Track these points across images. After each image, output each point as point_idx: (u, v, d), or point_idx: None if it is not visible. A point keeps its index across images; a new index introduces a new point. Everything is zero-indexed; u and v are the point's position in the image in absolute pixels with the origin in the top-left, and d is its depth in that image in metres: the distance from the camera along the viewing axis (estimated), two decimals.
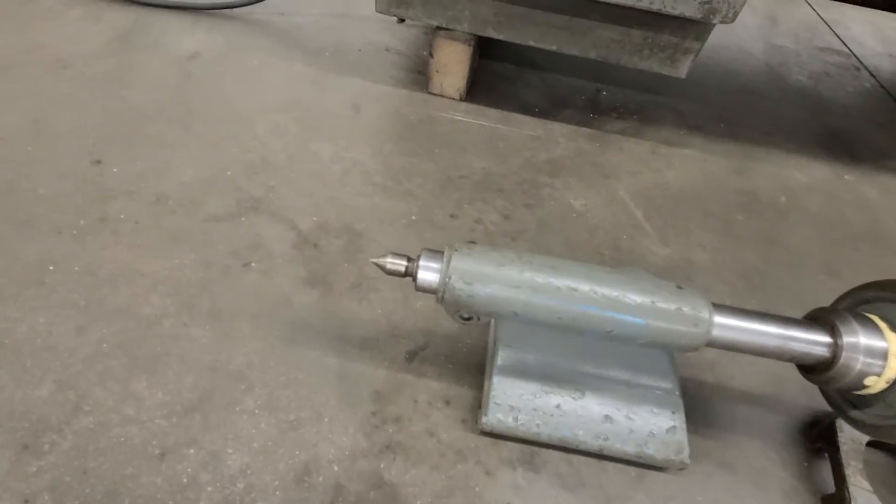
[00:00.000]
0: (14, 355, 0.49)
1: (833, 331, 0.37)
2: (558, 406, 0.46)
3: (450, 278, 0.37)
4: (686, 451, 0.46)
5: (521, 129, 0.89)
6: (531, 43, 0.84)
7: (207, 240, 0.62)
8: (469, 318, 0.40)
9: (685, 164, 0.88)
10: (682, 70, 0.82)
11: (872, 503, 0.44)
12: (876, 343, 0.36)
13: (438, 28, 0.87)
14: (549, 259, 0.38)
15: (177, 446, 0.45)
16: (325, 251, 0.63)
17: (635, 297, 0.36)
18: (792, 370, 0.58)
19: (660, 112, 1.00)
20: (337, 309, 0.58)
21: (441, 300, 0.38)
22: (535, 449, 0.49)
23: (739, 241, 0.76)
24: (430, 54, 0.88)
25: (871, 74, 1.26)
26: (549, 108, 0.95)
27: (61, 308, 0.53)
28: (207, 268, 0.59)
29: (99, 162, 0.69)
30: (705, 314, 0.36)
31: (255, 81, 0.90)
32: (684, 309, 0.37)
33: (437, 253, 0.38)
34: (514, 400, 0.46)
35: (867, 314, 0.38)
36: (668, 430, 0.46)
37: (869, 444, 0.51)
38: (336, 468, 0.45)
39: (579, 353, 0.47)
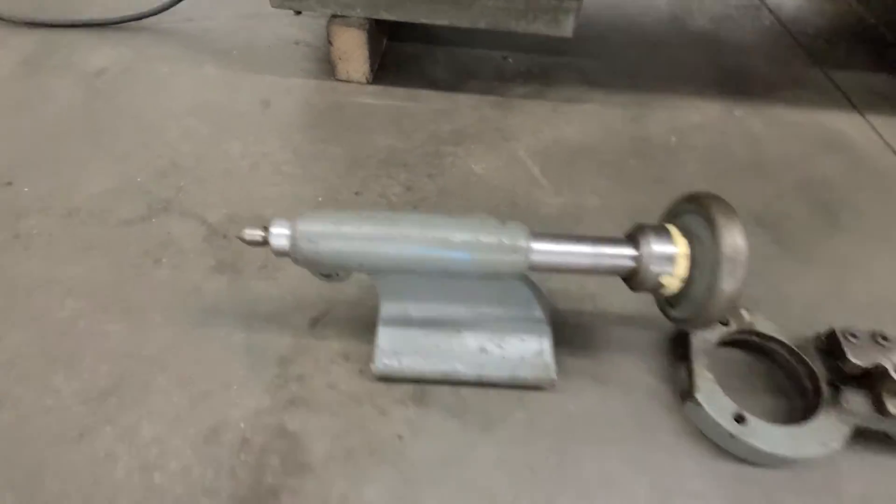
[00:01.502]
0: None
1: (635, 244, 0.42)
2: (437, 345, 0.52)
3: (297, 240, 0.41)
4: (553, 370, 0.52)
5: (427, 105, 0.93)
6: (423, 20, 0.87)
7: (119, 244, 0.66)
8: (329, 275, 0.45)
9: (584, 119, 0.93)
10: (568, 29, 0.87)
11: (714, 391, 0.51)
12: (666, 249, 0.41)
13: (334, 16, 0.90)
14: (387, 213, 0.43)
15: (94, 427, 0.49)
16: (235, 240, 0.68)
17: (460, 236, 0.41)
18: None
19: (563, 72, 1.04)
20: (245, 291, 0.62)
21: (295, 261, 0.43)
22: (426, 387, 0.54)
23: (630, 184, 0.81)
24: (330, 42, 0.92)
25: (771, 12, 1.32)
26: (455, 82, 0.99)
27: None
28: (120, 269, 0.63)
29: (10, 184, 0.73)
30: (523, 242, 0.42)
31: (165, 89, 0.92)
32: (504, 240, 0.42)
33: (285, 220, 0.42)
34: (398, 345, 0.52)
35: (666, 224, 0.43)
36: (535, 354, 0.52)
37: (722, 343, 0.57)
38: (242, 425, 0.50)
39: (453, 296, 0.52)
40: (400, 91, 0.95)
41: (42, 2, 1.10)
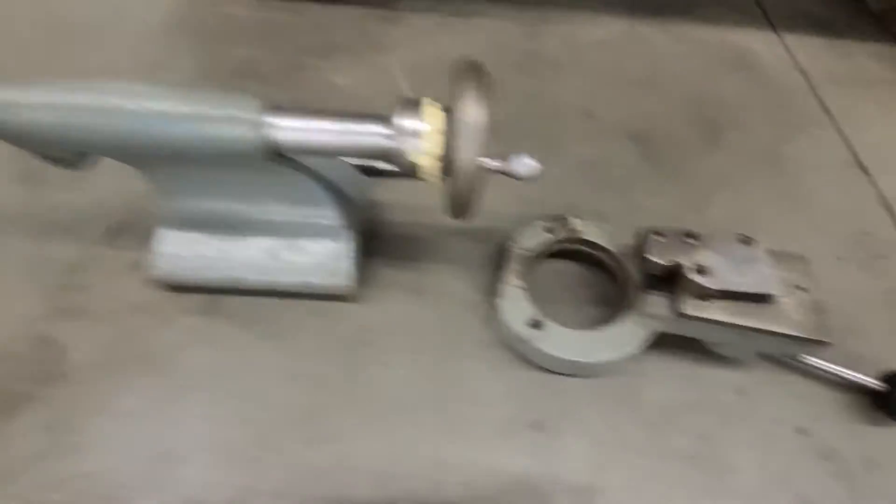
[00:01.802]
0: None
1: (390, 120, 0.38)
2: (222, 249, 0.48)
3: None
4: (351, 277, 0.48)
5: (305, 17, 0.85)
6: None
7: None
8: (57, 159, 0.40)
9: (473, 34, 0.86)
10: None
11: (518, 297, 0.48)
12: (417, 124, 0.36)
13: None
14: (98, 83, 0.38)
15: None
16: None
17: (182, 107, 0.36)
18: (502, 206, 0.60)
19: None
20: (45, 200, 0.58)
21: None
22: (218, 297, 0.51)
23: (502, 99, 0.75)
24: None
25: None
26: None
27: None
28: None
29: None
30: (255, 116, 0.37)
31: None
32: (235, 113, 0.37)
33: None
34: (179, 249, 0.48)
35: (424, 98, 0.38)
36: (332, 260, 0.48)
37: (550, 254, 0.54)
38: (7, 335, 0.47)
39: (241, 196, 0.47)
40: (276, 3, 0.88)
41: None
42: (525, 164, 0.43)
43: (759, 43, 0.90)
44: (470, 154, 0.35)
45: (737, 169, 0.69)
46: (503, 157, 0.44)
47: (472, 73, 0.38)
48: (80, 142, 0.39)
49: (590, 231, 0.53)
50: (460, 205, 0.37)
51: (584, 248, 0.53)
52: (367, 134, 0.37)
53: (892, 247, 0.61)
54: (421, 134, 0.36)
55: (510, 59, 0.81)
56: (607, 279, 0.54)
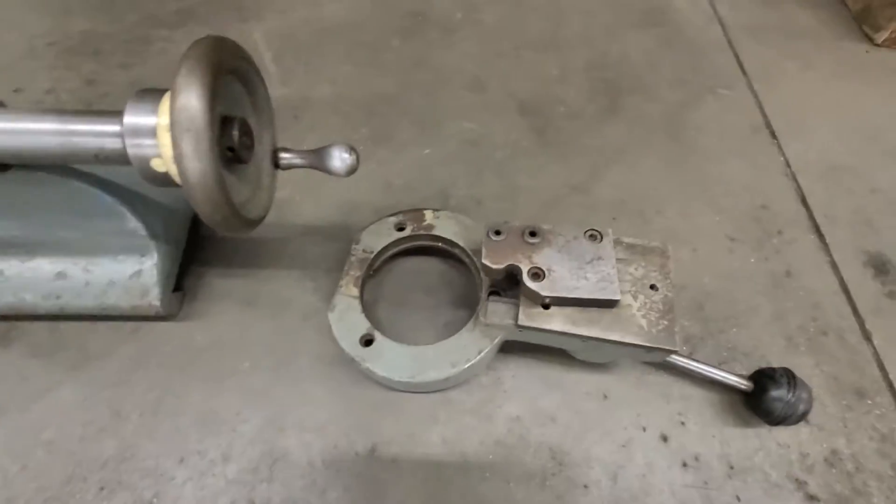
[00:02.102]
0: None
1: (120, 118, 0.31)
2: (6, 271, 0.42)
3: None
4: (155, 293, 0.42)
5: None
6: None
7: None
8: None
9: None
10: None
11: (351, 309, 0.42)
12: (149, 119, 0.30)
13: None
14: None
15: None
16: None
17: None
18: (365, 195, 0.54)
19: None
20: None
21: None
22: (16, 323, 0.44)
23: (382, 69, 0.67)
24: None
25: None
26: None
27: None
28: None
29: None
30: None
31: None
32: None
33: None
34: None
35: (165, 89, 0.31)
36: (131, 276, 0.41)
37: (403, 252, 0.47)
38: None
39: (16, 213, 0.40)
40: None
41: None
42: (339, 159, 0.37)
43: None
44: (194, 157, 0.28)
45: (634, 140, 0.62)
46: (316, 151, 0.37)
47: (213, 54, 0.30)
48: None
49: (444, 226, 0.47)
50: (205, 217, 0.31)
51: (439, 244, 0.47)
52: (90, 135, 0.30)
53: (789, 221, 0.56)
54: (153, 131, 0.29)
55: (394, 21, 0.72)
56: (467, 277, 0.49)
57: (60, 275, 0.41)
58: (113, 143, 0.30)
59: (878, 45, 0.76)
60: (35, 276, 0.41)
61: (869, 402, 0.45)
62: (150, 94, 0.30)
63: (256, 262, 0.49)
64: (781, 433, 0.43)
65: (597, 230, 0.39)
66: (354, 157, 0.38)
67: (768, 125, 0.65)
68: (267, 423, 0.41)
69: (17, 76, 0.62)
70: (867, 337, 0.49)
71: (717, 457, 0.42)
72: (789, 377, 0.40)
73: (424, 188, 0.55)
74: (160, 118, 0.29)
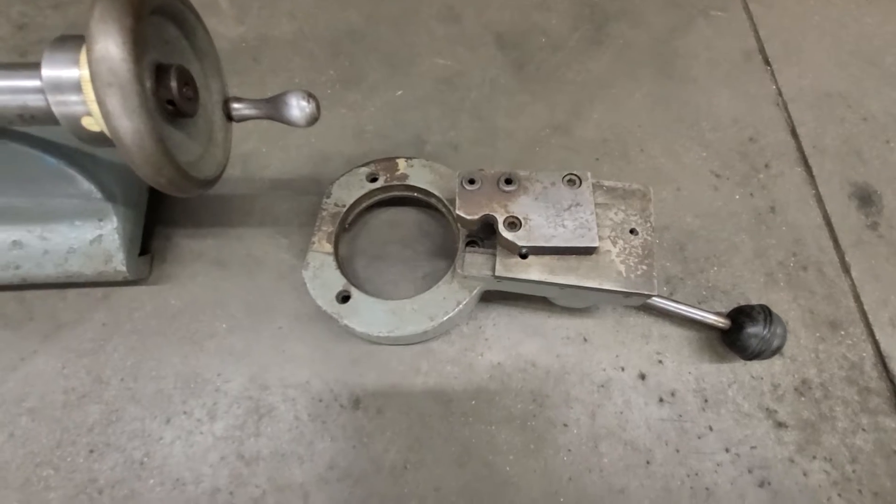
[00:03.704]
0: None
1: (39, 71, 0.27)
2: None
3: None
4: (119, 258, 0.40)
5: None
6: None
7: None
8: None
9: None
10: None
11: (325, 265, 0.41)
12: (70, 72, 0.26)
13: None
14: None
15: None
16: None
17: None
18: (335, 144, 0.51)
19: None
20: None
21: None
22: None
23: (341, 3, 0.61)
24: None
25: None
26: None
27: None
28: None
29: None
30: None
31: None
32: None
33: None
34: None
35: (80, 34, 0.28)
36: (92, 242, 0.40)
37: (376, 204, 0.46)
38: None
39: None
40: None
41: None
42: (298, 108, 0.34)
43: None
44: (123, 115, 0.25)
45: (619, 73, 0.58)
46: (272, 100, 0.34)
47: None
48: None
49: (419, 175, 0.44)
50: (148, 180, 0.28)
51: (414, 194, 0.45)
52: (8, 92, 0.26)
53: (777, 154, 0.55)
54: (81, 87, 0.26)
55: None
56: (443, 226, 0.48)
57: (16, 244, 0.39)
58: (36, 101, 0.26)
59: None
60: None
61: (842, 332, 0.46)
62: (70, 40, 0.26)
63: (225, 220, 0.47)
64: (755, 366, 0.44)
65: (576, 174, 0.37)
66: (314, 104, 0.35)
67: (762, 50, 0.61)
68: (250, 382, 0.41)
69: None
70: (846, 270, 0.49)
71: (693, 391, 0.43)
72: (766, 314, 0.41)
73: (398, 134, 0.52)
74: (82, 70, 0.26)
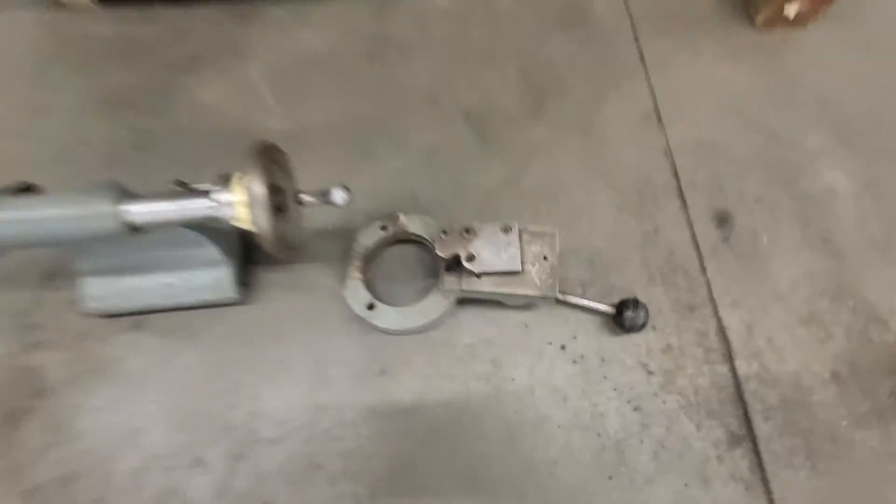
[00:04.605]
0: None
1: (209, 194, 0.51)
2: (132, 286, 0.64)
3: None
4: (232, 290, 0.65)
5: (162, 26, 0.89)
6: None
7: None
8: None
9: (325, 22, 0.91)
10: None
11: (357, 286, 0.65)
12: (229, 197, 0.50)
13: None
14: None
15: None
16: None
17: (52, 212, 0.50)
18: (358, 203, 0.74)
19: None
20: None
21: None
22: (143, 317, 0.67)
23: (359, 94, 0.85)
24: None
25: None
26: None
27: None
28: None
29: None
30: (113, 208, 0.50)
31: None
32: (93, 210, 0.50)
33: None
34: (99, 291, 0.63)
35: (235, 174, 0.51)
36: (216, 281, 0.64)
37: (387, 244, 0.70)
38: None
39: (141, 248, 0.61)
40: (133, 12, 0.89)
41: None
42: (340, 196, 0.58)
43: None
44: (264, 222, 0.49)
45: (553, 138, 0.82)
46: (322, 191, 0.58)
47: (259, 157, 0.51)
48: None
49: (414, 225, 0.69)
50: (276, 249, 0.53)
51: (411, 238, 0.69)
52: (198, 209, 0.51)
53: (663, 190, 0.78)
54: (233, 204, 0.50)
55: (361, 47, 0.88)
56: (431, 258, 0.71)
57: (169, 285, 0.63)
58: (211, 212, 0.51)
59: (757, 28, 0.92)
60: (155, 286, 0.63)
61: (696, 313, 0.70)
62: (224, 178, 0.50)
63: (289, 265, 0.71)
64: (635, 337, 0.68)
65: (509, 225, 0.61)
66: (349, 194, 0.58)
67: (657, 111, 0.84)
68: (315, 363, 0.66)
69: (80, 132, 0.79)
70: (703, 270, 0.72)
71: (595, 354, 0.67)
72: (635, 302, 0.64)
73: (399, 193, 0.76)
74: (238, 196, 0.49)
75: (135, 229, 0.53)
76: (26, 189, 0.61)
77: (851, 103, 0.87)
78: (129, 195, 0.52)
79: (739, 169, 0.80)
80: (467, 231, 0.61)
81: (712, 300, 0.71)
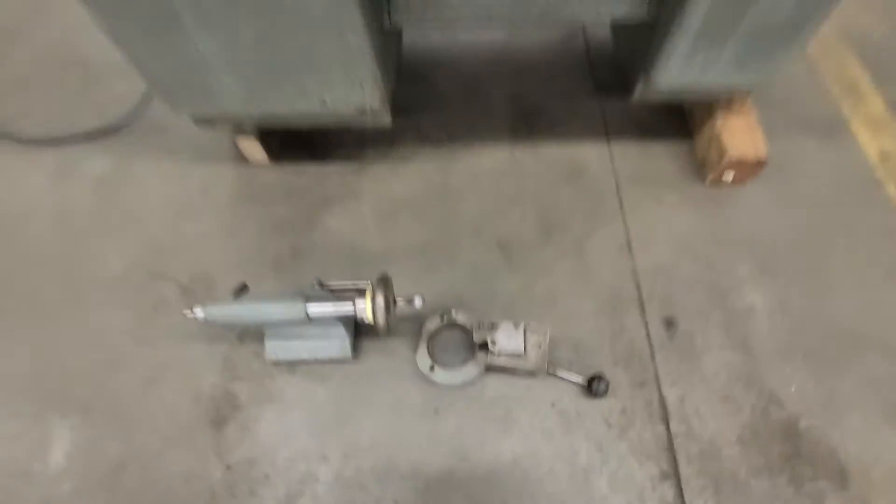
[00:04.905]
0: None
1: (354, 300, 0.93)
2: (294, 346, 1.06)
3: (207, 316, 0.94)
4: (348, 352, 1.06)
5: (308, 177, 1.39)
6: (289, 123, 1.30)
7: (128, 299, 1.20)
8: (229, 329, 0.98)
9: (411, 176, 1.38)
10: (387, 121, 1.28)
11: (423, 354, 1.04)
12: (362, 304, 0.92)
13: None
14: (246, 303, 0.95)
15: None
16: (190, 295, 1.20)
17: (278, 309, 0.94)
18: (429, 300, 1.13)
19: (407, 133, 1.45)
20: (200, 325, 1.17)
21: (210, 324, 0.95)
22: (296, 366, 1.09)
23: (430, 225, 1.28)
24: (237, 144, 1.36)
25: (586, 41, 1.64)
26: (327, 152, 1.42)
27: None
28: (139, 317, 1.18)
29: None
30: (303, 307, 0.93)
31: (144, 186, 1.40)
32: (297, 309, 0.93)
33: (201, 306, 0.95)
34: (274, 347, 1.06)
35: (373, 286, 0.93)
36: (339, 345, 1.06)
37: (443, 328, 1.09)
38: (208, 390, 1.07)
39: (300, 325, 1.04)
40: (291, 167, 1.40)
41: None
42: (418, 301, 0.99)
43: (593, 154, 1.38)
44: (381, 319, 0.90)
45: (555, 260, 1.22)
46: (408, 298, 0.99)
47: (381, 282, 0.94)
48: (239, 327, 1.01)
49: (460, 317, 1.09)
50: (383, 332, 0.94)
51: (458, 325, 1.08)
52: (347, 310, 0.94)
53: (628, 302, 1.15)
54: (365, 309, 0.92)
55: (431, 193, 1.35)
56: (470, 340, 1.10)
57: (314, 346, 1.06)
58: (353, 312, 0.93)
59: (706, 185, 1.29)
60: (306, 347, 1.07)
61: (645, 387, 1.03)
62: (361, 292, 0.93)
63: (384, 338, 1.12)
64: (601, 402, 1.01)
65: (519, 322, 0.99)
66: (423, 301, 0.98)
67: (629, 245, 1.22)
68: (394, 404, 1.04)
69: (261, 248, 1.27)
70: (653, 358, 1.06)
71: (573, 410, 1.02)
72: (600, 377, 0.98)
73: (451, 295, 1.17)
74: (367, 304, 0.91)
75: (309, 318, 0.96)
76: (243, 286, 1.08)
77: (773, 242, 1.23)
78: (310, 298, 0.95)
79: (685, 288, 1.15)
80: (492, 325, 1.01)
81: (657, 379, 1.04)
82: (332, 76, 1.07)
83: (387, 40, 1.16)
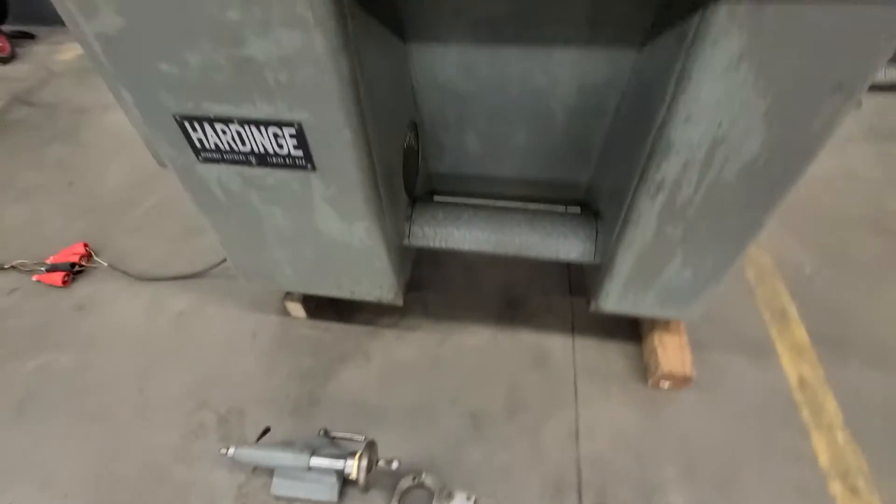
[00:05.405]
0: None
1: (346, 460, 1.21)
2: (300, 478, 1.32)
3: (237, 457, 1.24)
4: (335, 497, 1.30)
5: (332, 333, 1.77)
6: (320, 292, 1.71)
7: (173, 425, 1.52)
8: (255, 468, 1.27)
9: (413, 343, 1.73)
10: (399, 301, 1.67)
11: None
12: (350, 465, 1.20)
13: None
14: (270, 450, 1.25)
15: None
16: (231, 421, 1.52)
17: (301, 459, 1.22)
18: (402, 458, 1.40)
19: (415, 307, 1.83)
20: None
21: (239, 464, 1.25)
22: (294, 501, 1.34)
23: (419, 391, 1.60)
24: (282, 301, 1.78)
25: None
26: (351, 313, 1.81)
27: None
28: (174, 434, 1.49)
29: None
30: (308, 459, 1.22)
31: (212, 326, 1.80)
32: (312, 464, 1.22)
33: (234, 447, 1.26)
34: (283, 487, 1.32)
35: (357, 455, 1.21)
36: (330, 491, 1.31)
37: (411, 488, 1.33)
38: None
39: (302, 471, 1.32)
40: (321, 324, 1.79)
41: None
42: (395, 465, 1.26)
43: (559, 345, 1.70)
44: (362, 478, 1.18)
45: (515, 437, 1.48)
46: (388, 460, 1.26)
47: (367, 448, 1.23)
48: (264, 467, 1.29)
49: (428, 480, 1.34)
50: (361, 488, 1.20)
51: (426, 486, 1.32)
52: (339, 465, 1.23)
53: (569, 485, 1.35)
54: (353, 466, 1.20)
55: (426, 360, 1.68)
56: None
57: (309, 491, 1.31)
58: (342, 468, 1.21)
59: (649, 387, 1.55)
60: (312, 478, 1.32)
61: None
62: (354, 454, 1.22)
63: (381, 485, 1.38)
64: None
65: (472, 495, 1.22)
66: (400, 463, 1.26)
67: (577, 433, 1.47)
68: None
69: (286, 391, 1.61)
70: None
71: None
72: None
73: (427, 455, 1.42)
74: (354, 464, 1.20)
75: (310, 468, 1.25)
76: (267, 430, 1.39)
77: (698, 449, 1.46)
78: (314, 450, 1.25)
79: (618, 481, 1.38)
80: (449, 495, 1.26)
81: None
82: (361, 280, 1.49)
83: (405, 252, 1.60)
